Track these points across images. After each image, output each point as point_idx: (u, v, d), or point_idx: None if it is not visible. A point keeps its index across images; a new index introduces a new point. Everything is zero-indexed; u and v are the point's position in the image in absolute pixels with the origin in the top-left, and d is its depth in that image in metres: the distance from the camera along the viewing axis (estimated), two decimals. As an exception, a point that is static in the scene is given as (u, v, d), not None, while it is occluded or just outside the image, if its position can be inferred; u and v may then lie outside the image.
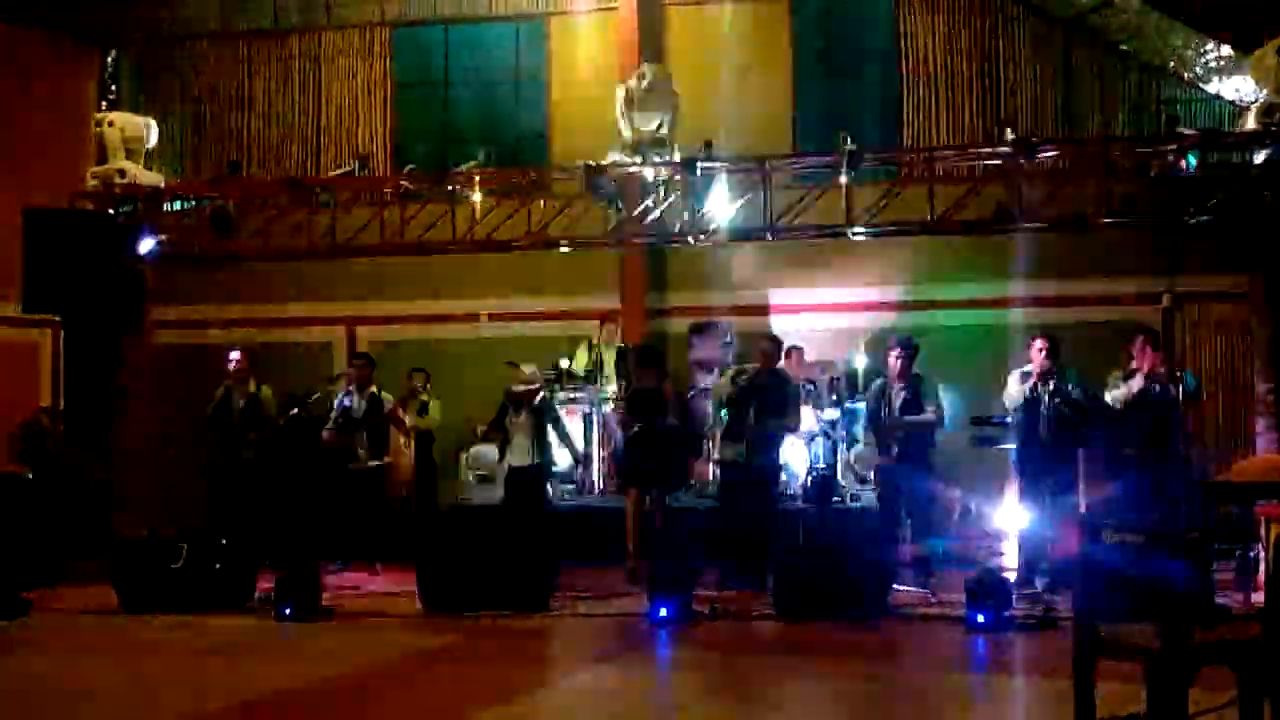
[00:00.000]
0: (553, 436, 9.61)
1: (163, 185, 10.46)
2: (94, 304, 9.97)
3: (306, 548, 9.18)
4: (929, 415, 8.85)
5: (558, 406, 10.11)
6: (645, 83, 9.51)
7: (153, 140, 10.44)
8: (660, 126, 9.40)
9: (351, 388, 10.39)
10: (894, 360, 8.92)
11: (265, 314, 13.14)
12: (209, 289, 12.59)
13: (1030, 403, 8.67)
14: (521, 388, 9.48)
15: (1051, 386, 8.57)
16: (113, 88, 14.04)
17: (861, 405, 9.79)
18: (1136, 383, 8.64)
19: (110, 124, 10.23)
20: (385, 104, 13.52)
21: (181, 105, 13.91)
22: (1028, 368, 8.79)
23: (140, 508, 10.38)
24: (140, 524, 10.18)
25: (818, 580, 7.86)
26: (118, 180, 10.07)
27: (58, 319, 11.22)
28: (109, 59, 14.08)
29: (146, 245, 10.18)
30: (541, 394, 9.64)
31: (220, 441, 10.16)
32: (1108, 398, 8.71)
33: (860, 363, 10.89)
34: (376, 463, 10.29)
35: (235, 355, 10.35)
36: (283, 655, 7.19)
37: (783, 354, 9.60)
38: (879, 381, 9.17)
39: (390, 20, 13.56)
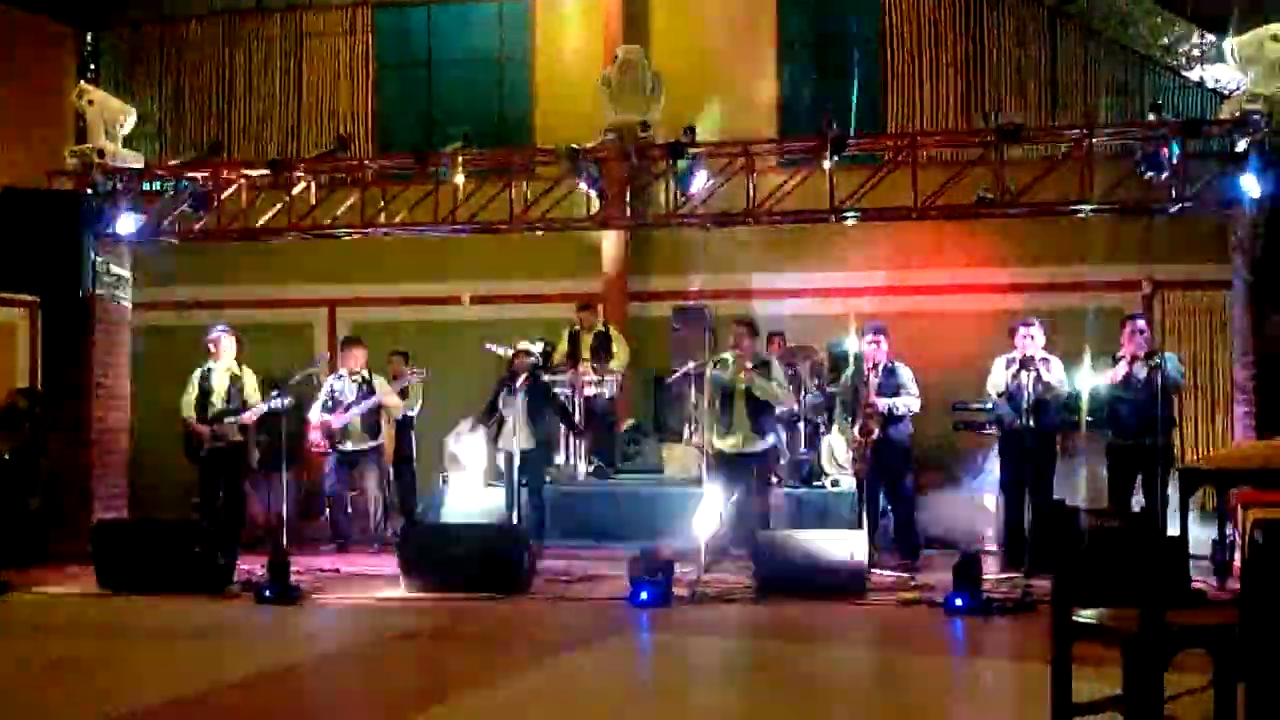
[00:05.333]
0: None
1: (142, 165, 10.39)
2: (71, 284, 9.91)
3: (289, 530, 9.17)
4: (910, 398, 8.92)
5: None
6: (623, 67, 9.49)
7: (129, 127, 10.36)
8: (643, 110, 9.37)
9: (343, 371, 10.40)
10: (870, 346, 8.96)
11: (245, 295, 13.06)
12: (189, 270, 12.51)
13: (1013, 389, 8.72)
14: (516, 356, 9.52)
15: (1035, 372, 8.62)
16: (93, 67, 13.91)
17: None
18: (1121, 368, 8.71)
19: (90, 101, 10.14)
20: (367, 84, 13.43)
21: (162, 85, 13.80)
22: (1012, 354, 8.84)
23: (118, 489, 10.33)
24: (119, 505, 10.16)
25: (798, 563, 7.90)
26: (96, 159, 9.99)
27: (35, 299, 11.14)
28: (89, 37, 13.94)
29: (125, 225, 10.10)
30: (531, 371, 9.72)
31: (203, 423, 10.12)
32: (1096, 383, 8.78)
33: (852, 347, 10.89)
34: (368, 444, 10.28)
35: (221, 336, 10.29)
36: (263, 637, 7.17)
37: (760, 338, 9.60)
38: (851, 368, 9.20)
39: (373, 0, 13.47)
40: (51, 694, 5.75)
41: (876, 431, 8.81)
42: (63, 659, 6.56)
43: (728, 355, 9.12)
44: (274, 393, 9.86)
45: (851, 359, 9.40)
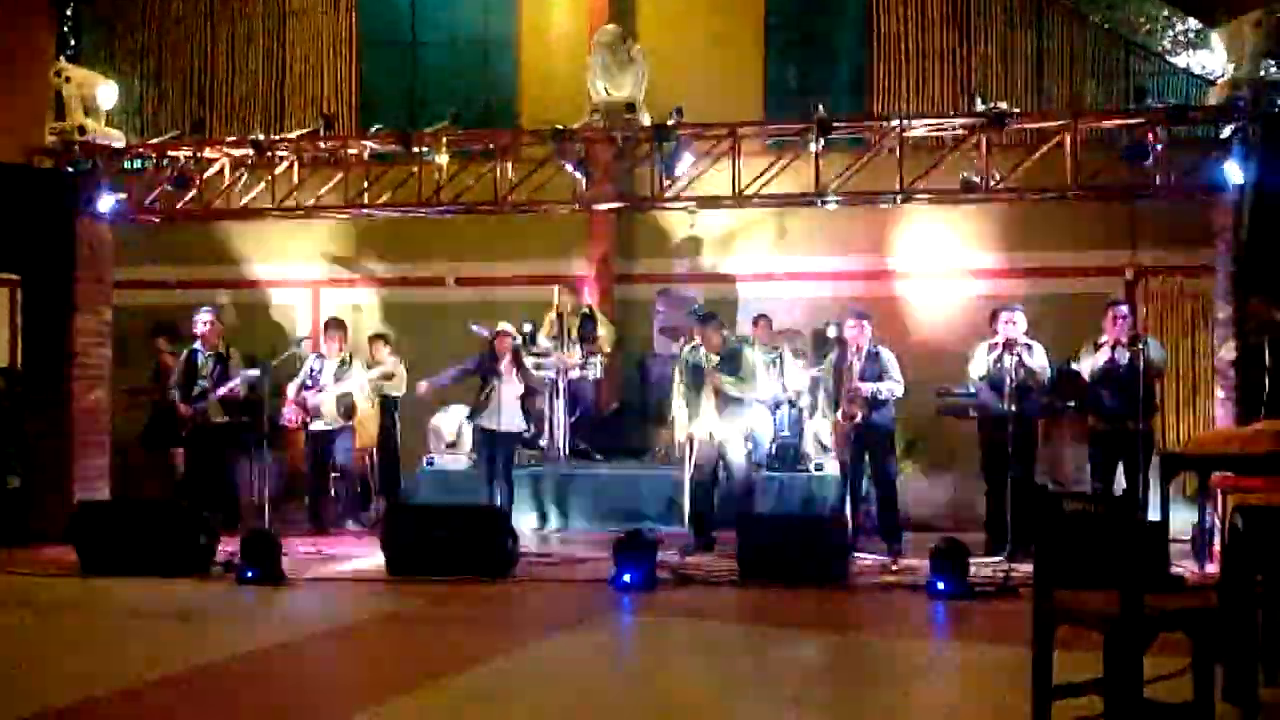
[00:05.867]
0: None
1: (123, 143, 10.30)
2: (52, 263, 9.84)
3: (269, 511, 9.14)
4: (893, 383, 8.92)
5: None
6: (598, 47, 9.44)
7: (111, 102, 10.25)
8: (625, 88, 9.33)
9: (322, 351, 10.41)
10: (853, 330, 8.98)
11: (228, 275, 12.98)
12: (170, 249, 12.42)
13: (995, 373, 8.75)
14: (497, 337, 9.64)
15: (1017, 357, 8.64)
16: (72, 43, 13.74)
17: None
18: (1103, 353, 8.75)
19: (67, 79, 10.02)
20: (351, 63, 13.30)
21: (143, 62, 13.65)
22: (995, 338, 8.86)
23: (99, 469, 10.27)
24: (100, 486, 10.10)
25: (781, 547, 7.92)
26: (77, 137, 9.88)
27: (15, 278, 11.04)
28: (68, 13, 13.77)
29: (106, 203, 10.02)
30: (513, 351, 9.76)
31: (186, 403, 10.08)
32: (1078, 367, 8.82)
33: (831, 332, 10.89)
34: (339, 425, 10.25)
35: (206, 316, 10.24)
36: (244, 619, 7.16)
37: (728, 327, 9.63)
38: (835, 352, 9.22)
39: (356, -22, 13.32)
40: (32, 675, 5.72)
41: (860, 416, 8.83)
42: (43, 640, 6.54)
43: (699, 342, 9.16)
44: (251, 368, 9.87)
45: (835, 343, 9.42)
